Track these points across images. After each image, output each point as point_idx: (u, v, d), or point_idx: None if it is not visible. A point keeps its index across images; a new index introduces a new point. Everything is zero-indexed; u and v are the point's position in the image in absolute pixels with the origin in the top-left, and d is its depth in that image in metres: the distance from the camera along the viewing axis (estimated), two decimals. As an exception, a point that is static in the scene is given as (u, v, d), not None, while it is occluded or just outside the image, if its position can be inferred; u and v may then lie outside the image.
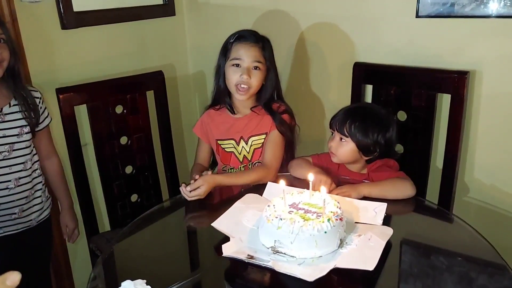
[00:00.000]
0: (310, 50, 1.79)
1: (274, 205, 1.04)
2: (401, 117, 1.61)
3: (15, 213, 1.36)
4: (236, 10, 1.94)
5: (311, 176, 1.08)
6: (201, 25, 2.11)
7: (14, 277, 0.42)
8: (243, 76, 1.41)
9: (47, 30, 1.61)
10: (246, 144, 1.50)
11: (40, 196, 1.44)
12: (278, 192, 1.17)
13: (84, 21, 1.72)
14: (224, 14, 1.99)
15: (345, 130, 1.31)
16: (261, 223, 1.03)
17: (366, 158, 1.36)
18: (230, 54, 1.44)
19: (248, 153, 1.51)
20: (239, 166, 1.53)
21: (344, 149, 1.33)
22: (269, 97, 1.50)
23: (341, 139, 1.33)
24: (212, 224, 1.11)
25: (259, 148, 1.50)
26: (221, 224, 1.11)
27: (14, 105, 1.32)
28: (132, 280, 0.85)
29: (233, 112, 1.51)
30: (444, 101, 1.52)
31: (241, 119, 1.52)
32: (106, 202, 1.70)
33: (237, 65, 1.42)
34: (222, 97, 1.52)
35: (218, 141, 1.53)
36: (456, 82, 1.43)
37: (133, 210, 1.74)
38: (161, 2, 2.02)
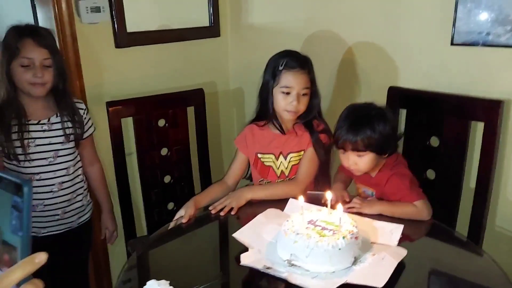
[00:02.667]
0: (350, 72, 1.83)
1: (292, 220, 1.09)
2: (433, 142, 1.61)
3: (58, 215, 1.49)
4: (278, 33, 2.02)
5: (329, 194, 1.13)
6: (243, 46, 2.22)
7: (42, 255, 0.50)
8: (293, 103, 1.44)
9: (102, 49, 1.78)
10: (285, 160, 1.55)
11: (81, 200, 1.56)
12: (298, 208, 1.22)
13: (136, 41, 1.87)
14: (266, 37, 2.08)
15: (359, 147, 1.32)
16: (279, 237, 1.08)
17: (386, 157, 1.37)
18: (280, 81, 1.46)
19: (286, 168, 1.56)
20: (276, 180, 1.58)
21: (365, 162, 1.34)
22: (310, 114, 1.52)
23: (358, 155, 1.33)
24: (233, 235, 1.18)
25: (297, 164, 1.54)
26: (242, 235, 1.18)
27: (60, 115, 1.46)
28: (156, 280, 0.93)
29: (283, 132, 1.54)
30: (478, 129, 1.51)
31: (282, 135, 1.55)
32: (144, 208, 1.82)
33: (287, 93, 1.45)
34: (268, 116, 1.54)
35: (258, 154, 1.58)
36: (489, 111, 1.43)
37: (169, 217, 1.81)
38: (207, 24, 2.15)
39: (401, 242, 1.12)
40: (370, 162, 1.34)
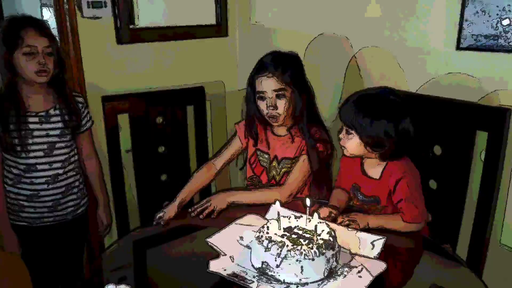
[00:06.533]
0: (356, 75, 1.77)
1: (268, 227, 1.05)
2: (437, 151, 1.53)
3: (52, 206, 1.51)
4: (287, 33, 1.98)
5: (307, 201, 1.08)
6: (252, 46, 2.18)
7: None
8: (270, 108, 1.42)
9: (104, 44, 1.78)
10: (278, 165, 1.51)
11: (76, 193, 1.57)
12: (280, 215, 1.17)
13: (139, 37, 1.88)
14: (275, 37, 2.04)
15: (349, 122, 1.23)
16: (253, 244, 1.04)
17: (377, 153, 1.26)
18: (255, 88, 1.45)
19: (278, 174, 1.52)
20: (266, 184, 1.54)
21: (351, 142, 1.25)
22: (301, 116, 1.46)
23: (347, 131, 1.25)
24: (206, 239, 1.14)
25: (288, 171, 1.49)
26: (216, 240, 1.14)
27: (58, 108, 1.47)
28: (116, 284, 0.90)
29: (255, 144, 1.54)
30: (484, 138, 1.42)
31: (279, 139, 1.52)
32: (139, 206, 1.81)
33: (263, 98, 1.43)
34: (254, 124, 1.52)
35: (257, 151, 1.55)
36: (495, 119, 1.34)
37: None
38: (214, 23, 2.13)
39: (383, 255, 1.06)
40: (355, 146, 1.25)
